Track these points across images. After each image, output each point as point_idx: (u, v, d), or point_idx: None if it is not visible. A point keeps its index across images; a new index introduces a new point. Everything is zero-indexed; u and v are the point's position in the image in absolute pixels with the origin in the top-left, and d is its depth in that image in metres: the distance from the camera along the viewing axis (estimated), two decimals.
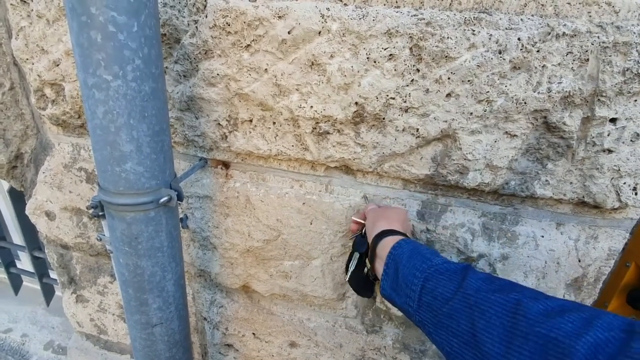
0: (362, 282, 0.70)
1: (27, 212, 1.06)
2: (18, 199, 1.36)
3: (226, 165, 0.85)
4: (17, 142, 1.03)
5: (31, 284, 1.71)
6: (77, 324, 1.27)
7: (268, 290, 0.93)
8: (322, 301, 0.91)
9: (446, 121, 0.65)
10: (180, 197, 0.69)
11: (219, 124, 0.78)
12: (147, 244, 0.67)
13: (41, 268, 1.51)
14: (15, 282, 1.60)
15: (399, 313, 0.88)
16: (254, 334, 1.03)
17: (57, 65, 0.80)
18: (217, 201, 0.86)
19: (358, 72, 0.65)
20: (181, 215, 0.89)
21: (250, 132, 0.77)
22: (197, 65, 0.72)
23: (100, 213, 0.68)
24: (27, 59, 0.83)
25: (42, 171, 0.99)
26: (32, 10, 0.78)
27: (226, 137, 0.79)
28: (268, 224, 0.84)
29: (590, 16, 0.56)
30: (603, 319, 0.35)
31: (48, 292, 1.56)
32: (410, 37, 0.60)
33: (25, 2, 0.78)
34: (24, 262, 1.69)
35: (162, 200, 0.64)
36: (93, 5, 0.49)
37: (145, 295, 0.72)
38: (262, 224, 0.85)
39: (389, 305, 0.87)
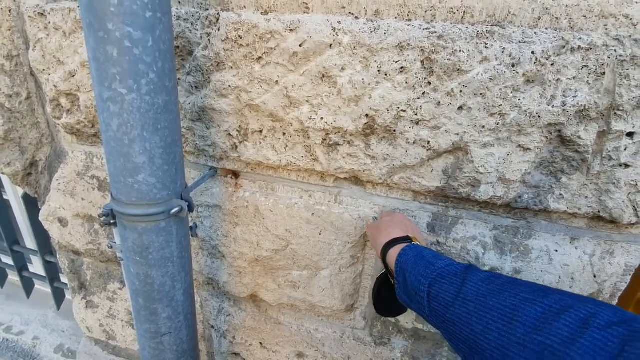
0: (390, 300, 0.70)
1: (40, 218, 1.08)
2: (32, 204, 1.38)
3: (236, 174, 0.86)
4: (32, 150, 1.05)
5: (42, 288, 1.74)
6: (86, 329, 1.28)
7: (276, 299, 0.93)
8: (331, 312, 0.91)
9: (458, 134, 0.64)
10: (190, 208, 0.69)
11: (230, 134, 0.78)
12: (158, 254, 0.67)
13: (52, 272, 1.53)
14: (28, 286, 1.63)
15: (408, 325, 0.87)
16: (261, 343, 1.03)
17: (73, 76, 0.82)
18: (227, 210, 0.87)
19: (369, 84, 0.65)
20: (191, 224, 0.89)
21: (261, 143, 0.77)
22: (209, 77, 0.73)
23: (112, 221, 0.69)
24: (44, 70, 0.85)
25: (55, 179, 1.00)
26: (50, 22, 0.80)
27: (236, 147, 0.79)
28: (277, 234, 0.84)
29: (606, 29, 0.56)
30: (601, 317, 0.34)
31: (59, 296, 1.58)
32: (422, 50, 0.60)
33: (43, 14, 0.80)
34: (36, 266, 1.71)
35: (173, 211, 0.65)
36: (110, 21, 0.50)
37: (155, 305, 0.72)
38: (271, 234, 0.85)
39: (399, 317, 0.86)
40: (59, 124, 0.92)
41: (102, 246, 1.04)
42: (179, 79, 0.76)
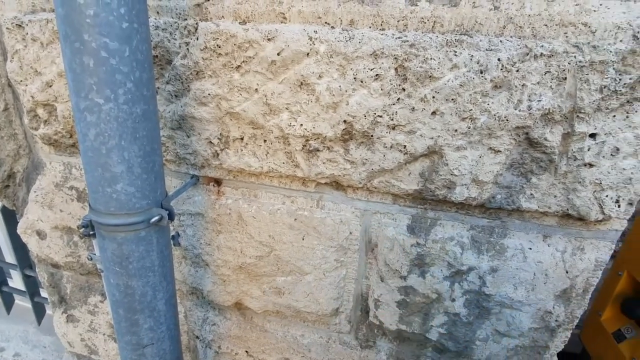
0: None
1: (18, 231, 1.05)
2: (10, 217, 1.35)
3: (218, 182, 0.86)
4: (9, 161, 1.03)
5: (22, 303, 1.68)
6: (68, 344, 1.24)
7: (261, 307, 0.93)
8: (316, 317, 0.91)
9: (432, 138, 0.67)
10: (171, 216, 0.69)
11: (211, 142, 0.79)
12: (138, 264, 0.67)
13: (32, 287, 1.49)
14: (8, 301, 1.58)
15: (393, 328, 0.88)
16: (247, 351, 1.02)
17: (50, 86, 0.81)
18: (209, 218, 0.87)
19: (346, 91, 0.66)
20: (173, 233, 0.89)
21: (242, 150, 0.78)
22: (188, 86, 0.74)
23: (91, 232, 0.68)
24: (22, 81, 0.84)
25: (33, 190, 0.99)
26: (27, 33, 0.79)
27: (218, 154, 0.80)
28: (260, 240, 0.85)
29: (567, 37, 0.59)
30: None
31: (39, 310, 1.53)
32: (395, 58, 0.62)
33: (20, 26, 0.79)
34: (16, 280, 1.66)
35: (153, 220, 0.65)
36: (86, 32, 0.51)
37: (136, 316, 0.71)
38: (254, 240, 0.85)
39: (383, 319, 0.87)
40: (36, 135, 0.91)
41: (82, 258, 1.02)
42: (158, 87, 0.76)
